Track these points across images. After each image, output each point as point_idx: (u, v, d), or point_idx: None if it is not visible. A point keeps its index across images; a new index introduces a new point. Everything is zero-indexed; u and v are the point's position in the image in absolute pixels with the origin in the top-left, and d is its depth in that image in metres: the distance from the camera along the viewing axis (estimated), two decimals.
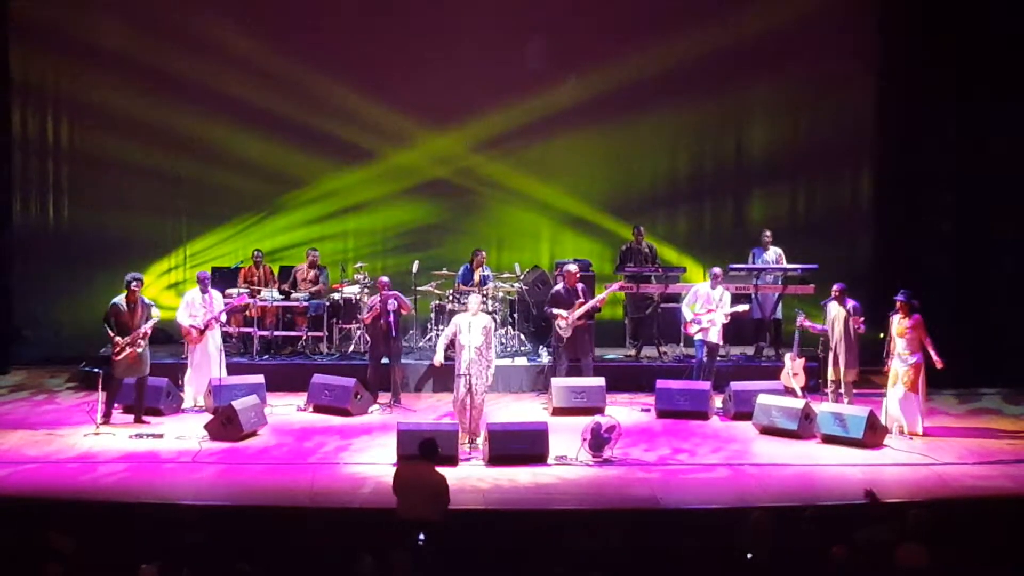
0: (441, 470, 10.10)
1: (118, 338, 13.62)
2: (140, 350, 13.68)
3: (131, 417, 13.92)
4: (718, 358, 15.34)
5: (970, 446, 13.22)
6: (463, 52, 18.32)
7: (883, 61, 17.74)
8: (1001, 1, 16.66)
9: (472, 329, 12.99)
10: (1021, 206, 16.81)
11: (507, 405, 15.11)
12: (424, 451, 10.17)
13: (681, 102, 18.42)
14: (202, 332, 14.64)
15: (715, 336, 14.88)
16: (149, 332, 13.79)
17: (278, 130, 18.29)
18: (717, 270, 15.15)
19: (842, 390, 14.11)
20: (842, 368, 14.01)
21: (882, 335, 13.89)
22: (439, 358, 13.54)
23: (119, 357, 13.64)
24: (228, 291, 15.95)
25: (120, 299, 13.74)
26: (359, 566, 8.38)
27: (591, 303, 14.93)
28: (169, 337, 16.94)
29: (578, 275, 15.15)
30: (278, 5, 18.44)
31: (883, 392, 13.77)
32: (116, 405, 13.93)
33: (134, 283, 13.75)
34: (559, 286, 15.13)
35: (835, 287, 14.19)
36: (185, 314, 14.72)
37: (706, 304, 14.83)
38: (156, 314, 13.95)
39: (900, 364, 13.44)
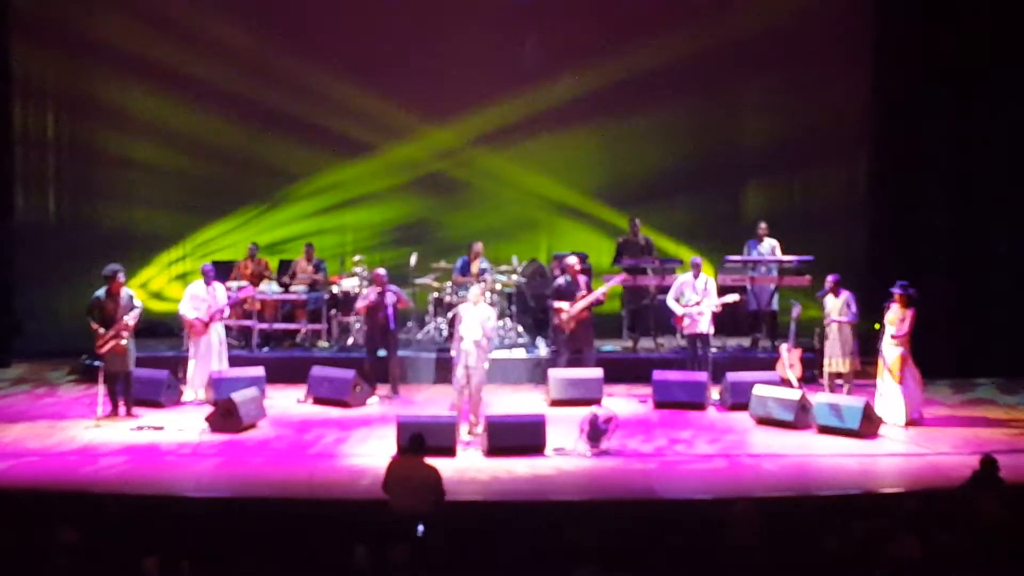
0: (440, 461, 10.14)
1: (101, 330, 13.67)
2: (124, 342, 13.71)
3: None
4: (713, 348, 15.41)
5: (965, 436, 13.24)
6: (462, 46, 18.36)
7: (880, 53, 17.74)
8: None
9: (471, 320, 13.06)
10: (1016, 198, 16.86)
11: (505, 397, 15.13)
12: (412, 445, 10.19)
13: (678, 95, 18.48)
14: (207, 325, 14.71)
15: (704, 327, 14.92)
16: (131, 324, 13.79)
17: (277, 124, 18.36)
18: (698, 259, 15.20)
19: (840, 381, 14.19)
20: (840, 359, 14.09)
21: (877, 326, 13.96)
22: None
23: (104, 350, 13.68)
24: (228, 284, 16.01)
25: (101, 292, 13.76)
26: (355, 557, 8.45)
27: (592, 296, 14.93)
28: (170, 330, 17.03)
29: (579, 267, 15.20)
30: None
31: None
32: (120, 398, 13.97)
33: (113, 275, 13.74)
34: (561, 279, 15.15)
35: (829, 279, 14.23)
36: (189, 307, 14.77)
37: (692, 294, 14.91)
38: (138, 305, 13.95)
39: (888, 354, 13.54)
